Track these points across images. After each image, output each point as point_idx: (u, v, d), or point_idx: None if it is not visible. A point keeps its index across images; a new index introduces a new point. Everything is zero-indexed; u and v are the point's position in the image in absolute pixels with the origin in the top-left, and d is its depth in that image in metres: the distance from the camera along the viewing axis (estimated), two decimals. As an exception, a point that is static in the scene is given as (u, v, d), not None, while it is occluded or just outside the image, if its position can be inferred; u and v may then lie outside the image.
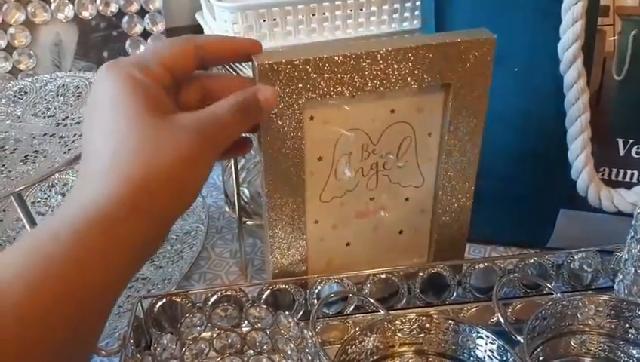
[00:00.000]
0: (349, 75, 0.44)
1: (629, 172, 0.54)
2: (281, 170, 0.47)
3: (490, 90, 0.55)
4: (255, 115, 0.39)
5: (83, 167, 0.34)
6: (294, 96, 0.44)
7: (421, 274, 0.52)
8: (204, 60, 0.40)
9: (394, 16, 0.70)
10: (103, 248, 0.31)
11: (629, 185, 0.54)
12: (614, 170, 0.54)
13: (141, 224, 0.32)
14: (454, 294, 0.53)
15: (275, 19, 0.65)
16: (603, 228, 0.56)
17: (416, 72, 0.45)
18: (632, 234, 0.47)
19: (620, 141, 0.53)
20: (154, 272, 0.57)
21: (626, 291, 0.47)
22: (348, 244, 0.53)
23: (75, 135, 0.55)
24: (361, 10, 0.68)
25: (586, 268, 0.54)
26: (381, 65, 0.44)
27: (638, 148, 0.53)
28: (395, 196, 0.52)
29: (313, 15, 0.66)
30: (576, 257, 0.53)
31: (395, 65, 0.44)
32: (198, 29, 0.78)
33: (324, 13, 0.66)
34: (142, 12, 0.76)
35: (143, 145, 0.33)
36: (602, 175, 0.54)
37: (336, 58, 0.43)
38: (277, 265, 0.51)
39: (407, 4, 0.70)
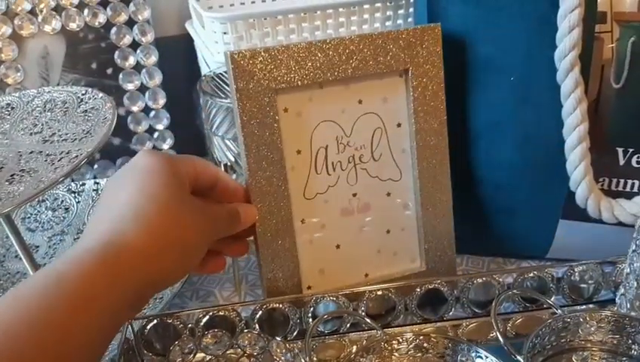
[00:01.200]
0: (314, 63, 0.47)
1: (629, 182, 0.53)
2: (263, 167, 0.48)
3: (487, 99, 0.54)
4: (235, 224, 0.46)
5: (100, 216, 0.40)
6: (265, 85, 0.46)
7: (418, 289, 0.50)
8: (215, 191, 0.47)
9: (387, 23, 0.69)
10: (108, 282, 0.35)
11: (629, 195, 0.53)
12: (614, 180, 0.53)
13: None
14: (452, 310, 0.51)
15: (266, 29, 0.64)
16: (604, 239, 0.55)
17: (377, 58, 0.49)
18: (634, 247, 0.46)
19: (620, 150, 0.52)
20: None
21: (628, 305, 0.46)
22: (338, 247, 0.52)
23: (62, 152, 0.53)
24: (354, 17, 0.67)
25: (587, 280, 0.52)
26: (343, 53, 0.48)
27: (638, 157, 0.52)
28: (376, 191, 0.52)
29: (304, 24, 0.65)
30: (576, 270, 0.52)
31: (357, 53, 0.48)
32: (187, 39, 0.77)
33: (315, 22, 0.65)
34: (130, 22, 0.75)
35: (166, 209, 0.39)
36: (602, 185, 0.53)
37: (300, 46, 0.47)
38: (269, 269, 0.50)
39: (400, 12, 0.69)
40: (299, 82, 0.47)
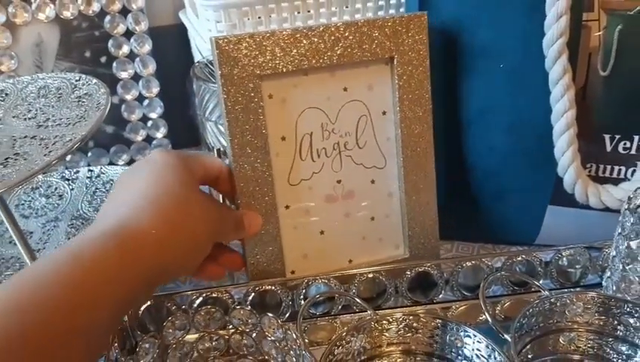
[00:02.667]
0: (299, 50, 0.48)
1: (616, 168, 0.54)
2: (247, 153, 0.48)
3: (479, 86, 0.55)
4: (240, 231, 0.48)
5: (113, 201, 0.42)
6: (250, 71, 0.47)
7: (408, 273, 0.51)
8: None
9: (379, 13, 0.69)
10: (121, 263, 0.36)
11: (616, 181, 0.54)
12: (601, 167, 0.54)
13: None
14: (442, 293, 0.52)
15: (259, 17, 0.64)
16: (591, 224, 0.56)
17: (363, 45, 0.49)
18: (619, 230, 0.47)
19: (607, 137, 0.53)
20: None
21: (614, 288, 0.47)
22: (322, 233, 0.53)
23: (56, 136, 0.54)
24: (346, 7, 0.67)
25: (574, 264, 0.53)
26: (329, 40, 0.48)
27: (625, 143, 0.53)
28: (361, 178, 0.53)
29: (298, 13, 0.65)
30: (564, 254, 0.53)
31: (342, 41, 0.48)
32: (181, 28, 0.78)
33: (308, 11, 0.66)
34: (124, 11, 0.75)
35: (178, 199, 0.41)
36: (589, 171, 0.54)
37: (285, 33, 0.47)
38: (252, 254, 0.51)
39: (392, 2, 0.69)
40: (284, 69, 0.48)
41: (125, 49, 0.76)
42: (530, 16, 0.50)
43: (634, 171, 0.53)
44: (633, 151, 0.53)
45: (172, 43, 0.81)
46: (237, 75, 0.46)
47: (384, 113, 0.52)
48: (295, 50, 0.48)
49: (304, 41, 0.48)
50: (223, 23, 0.63)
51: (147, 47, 0.77)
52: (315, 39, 0.48)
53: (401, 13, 0.66)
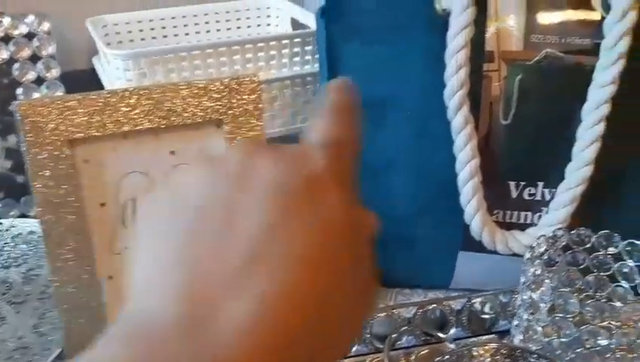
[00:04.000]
0: (116, 113, 0.46)
1: (522, 214, 0.54)
2: (60, 222, 0.46)
3: (385, 136, 0.55)
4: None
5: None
6: (59, 135, 0.45)
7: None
8: None
9: (294, 59, 0.69)
10: None
11: (523, 227, 0.54)
12: (508, 213, 0.54)
13: None
14: (355, 346, 0.51)
15: (170, 66, 0.63)
16: (503, 269, 0.56)
17: (188, 108, 0.48)
18: (523, 279, 0.47)
19: (512, 184, 0.54)
20: (36, 340, 0.53)
21: (520, 336, 0.47)
22: None
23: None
24: (260, 53, 0.67)
25: (486, 311, 0.54)
26: (147, 103, 0.46)
27: (530, 190, 0.54)
28: None
29: (210, 60, 0.65)
30: (475, 301, 0.53)
31: (164, 103, 0.47)
32: (93, 74, 0.76)
33: (221, 58, 0.65)
34: (34, 58, 0.73)
35: None
36: (497, 218, 0.54)
37: (100, 95, 0.46)
38: (70, 326, 0.48)
39: (308, 48, 0.70)
40: (98, 132, 0.46)
41: (36, 96, 0.74)
42: (432, 68, 0.51)
43: (540, 216, 0.54)
44: (538, 197, 0.54)
45: (86, 89, 0.78)
46: (44, 142, 0.44)
47: None
48: (112, 113, 0.46)
49: (121, 103, 0.46)
50: (131, 71, 0.62)
51: (59, 93, 0.75)
52: (133, 101, 0.46)
53: (235, 74, 0.64)
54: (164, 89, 0.46)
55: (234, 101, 0.48)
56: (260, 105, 0.49)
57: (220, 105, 0.48)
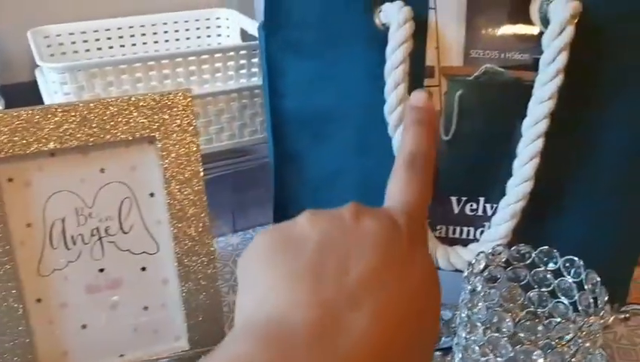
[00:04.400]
0: (42, 130, 0.45)
1: (464, 229, 0.54)
2: None
3: (326, 149, 0.54)
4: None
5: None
6: None
7: None
8: None
9: (241, 71, 0.68)
10: None
11: (465, 242, 0.54)
12: (451, 228, 0.54)
13: None
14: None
15: (109, 78, 0.61)
16: (448, 285, 0.55)
17: (117, 125, 0.46)
18: (462, 297, 0.46)
19: (454, 199, 0.53)
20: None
21: (460, 355, 0.47)
22: (84, 326, 0.50)
23: None
24: (205, 66, 0.66)
25: (429, 327, 0.53)
26: (75, 120, 0.45)
27: (471, 205, 0.53)
28: (128, 266, 0.50)
29: (152, 72, 0.63)
30: (417, 318, 0.52)
31: (92, 120, 0.46)
32: (36, 87, 0.74)
33: (164, 71, 0.64)
34: (-29, 69, 0.71)
35: None
36: (440, 233, 0.54)
37: (23, 112, 0.44)
38: None
39: (254, 60, 0.68)
40: (22, 150, 0.44)
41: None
42: (373, 83, 0.50)
43: (482, 231, 0.54)
44: (480, 213, 0.53)
45: (28, 102, 0.76)
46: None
47: (152, 195, 0.50)
48: (37, 130, 0.45)
49: (46, 121, 0.45)
50: (69, 85, 0.60)
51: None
52: (59, 118, 0.45)
53: (166, 90, 0.62)
54: (92, 105, 0.45)
55: (166, 117, 0.47)
56: (194, 121, 0.48)
57: (150, 121, 0.47)
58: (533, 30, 0.50)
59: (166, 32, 0.82)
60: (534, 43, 0.50)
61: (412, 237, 0.28)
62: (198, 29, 0.84)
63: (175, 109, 0.47)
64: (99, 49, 0.78)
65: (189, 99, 0.47)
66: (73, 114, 0.45)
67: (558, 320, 0.48)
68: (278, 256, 0.26)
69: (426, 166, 0.34)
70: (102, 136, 0.46)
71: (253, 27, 0.77)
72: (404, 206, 0.31)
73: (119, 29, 0.79)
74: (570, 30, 0.47)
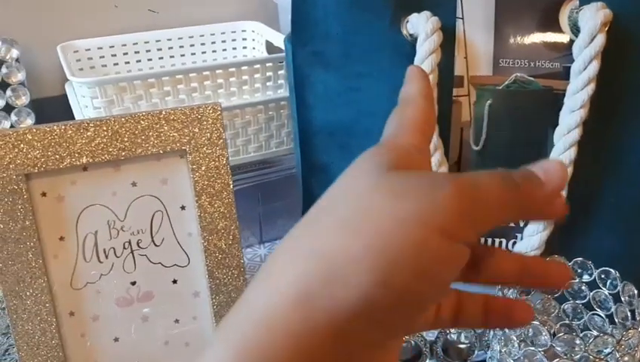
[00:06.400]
0: (74, 145, 0.45)
1: (497, 240, 0.53)
2: (16, 256, 0.45)
3: (351, 161, 0.54)
4: (531, 196, 0.26)
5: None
6: (14, 169, 0.43)
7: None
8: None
9: (267, 83, 0.68)
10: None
11: (497, 254, 0.53)
12: (482, 239, 0.53)
13: None
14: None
15: (138, 92, 0.62)
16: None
17: (148, 139, 0.47)
18: (495, 309, 0.46)
19: (485, 210, 0.52)
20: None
21: (494, 368, 0.46)
22: (116, 340, 0.50)
23: None
24: (232, 78, 0.66)
25: (461, 341, 0.52)
26: (107, 135, 0.45)
27: (502, 215, 0.53)
28: (160, 278, 0.50)
29: (180, 86, 0.63)
30: (449, 331, 0.51)
31: (122, 135, 0.46)
32: (66, 100, 0.75)
33: (191, 84, 0.64)
34: (3, 85, 0.72)
35: None
36: (470, 244, 0.53)
37: (55, 127, 0.44)
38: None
39: (281, 72, 0.69)
40: (56, 165, 0.45)
41: (5, 124, 0.73)
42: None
43: (514, 243, 0.53)
44: (512, 224, 0.53)
45: (58, 115, 0.77)
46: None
47: (183, 208, 0.50)
48: (69, 145, 0.45)
49: (78, 135, 0.45)
50: (99, 99, 0.60)
51: (29, 121, 0.74)
52: (90, 133, 0.45)
53: (194, 103, 0.63)
54: (123, 119, 0.45)
55: (196, 130, 0.47)
56: (224, 134, 0.48)
57: (181, 134, 0.47)
58: (563, 38, 0.49)
59: (192, 45, 0.82)
60: (564, 51, 0.49)
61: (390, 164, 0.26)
62: (224, 41, 0.84)
63: (205, 123, 0.47)
64: (127, 63, 0.79)
65: (218, 113, 0.47)
66: (105, 128, 0.45)
67: (595, 333, 0.47)
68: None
69: (420, 100, 0.31)
70: (133, 150, 0.46)
71: (278, 39, 0.77)
72: (394, 135, 0.29)
73: (146, 42, 0.79)
74: (601, 38, 0.46)
